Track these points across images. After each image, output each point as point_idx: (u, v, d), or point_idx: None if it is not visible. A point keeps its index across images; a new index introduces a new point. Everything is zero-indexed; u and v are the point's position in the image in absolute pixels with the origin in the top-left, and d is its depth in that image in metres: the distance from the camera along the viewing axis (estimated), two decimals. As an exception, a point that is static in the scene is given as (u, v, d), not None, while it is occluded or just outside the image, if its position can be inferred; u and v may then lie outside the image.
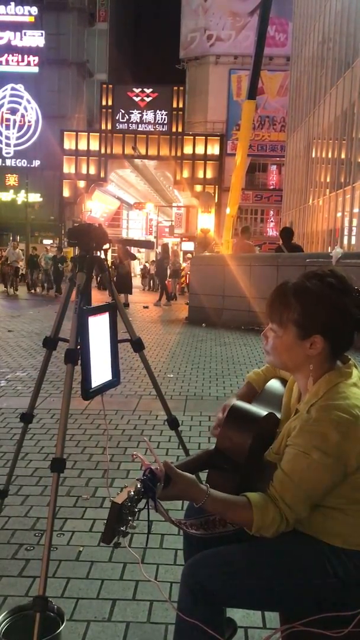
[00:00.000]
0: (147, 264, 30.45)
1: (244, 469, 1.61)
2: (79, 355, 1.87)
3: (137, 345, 2.20)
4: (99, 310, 1.97)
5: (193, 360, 7.65)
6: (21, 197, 40.71)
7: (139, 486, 1.35)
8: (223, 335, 10.05)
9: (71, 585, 2.41)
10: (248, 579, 1.51)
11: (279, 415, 1.75)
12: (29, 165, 44.22)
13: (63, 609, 1.91)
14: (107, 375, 2.05)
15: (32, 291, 22.19)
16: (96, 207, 45.62)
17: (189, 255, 28.58)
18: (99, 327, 1.96)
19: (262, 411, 1.70)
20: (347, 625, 1.41)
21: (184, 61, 49.16)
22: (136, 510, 1.34)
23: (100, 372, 1.99)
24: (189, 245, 39.85)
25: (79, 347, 1.87)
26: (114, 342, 2.07)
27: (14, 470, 2.47)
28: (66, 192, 44.80)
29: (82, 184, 44.45)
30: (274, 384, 1.90)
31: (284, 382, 1.89)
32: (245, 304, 10.42)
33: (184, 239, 43.27)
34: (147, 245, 2.62)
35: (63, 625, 1.73)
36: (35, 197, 41.29)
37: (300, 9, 35.33)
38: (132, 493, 1.32)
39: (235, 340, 9.50)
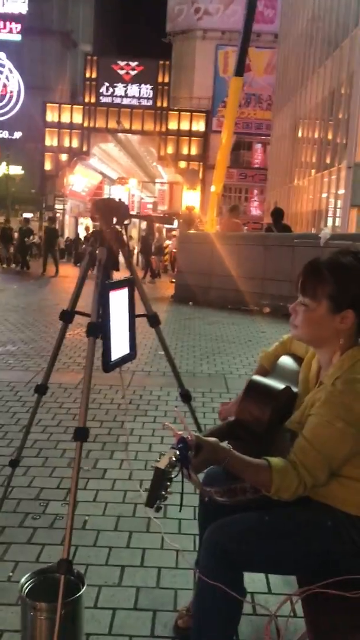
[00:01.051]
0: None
1: (263, 439, 1.68)
2: (101, 328, 1.90)
3: (154, 319, 2.25)
4: (119, 285, 2.00)
5: (182, 338, 7.71)
6: (1, 170, 40.06)
7: (176, 453, 1.41)
8: (210, 314, 10.11)
9: (80, 552, 2.47)
10: (267, 544, 1.58)
11: (294, 389, 1.81)
12: (10, 137, 43.47)
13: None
14: (125, 349, 2.09)
15: (4, 266, 21.09)
16: (78, 181, 45.12)
17: (173, 233, 28.52)
18: (118, 302, 2.00)
19: (280, 385, 1.77)
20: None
21: (171, 35, 48.45)
22: (172, 476, 1.40)
23: (120, 345, 2.04)
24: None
25: (100, 320, 1.91)
26: (132, 316, 2.11)
27: (26, 441, 2.51)
28: (48, 165, 44.22)
29: (64, 157, 43.88)
30: (286, 360, 1.97)
31: (295, 357, 1.96)
32: (233, 283, 10.47)
33: (167, 215, 43.05)
34: (166, 221, 2.64)
35: (84, 588, 1.79)
36: (16, 170, 40.67)
37: (290, -15, 34.94)
38: (173, 459, 1.38)
39: (223, 319, 9.58)
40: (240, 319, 9.56)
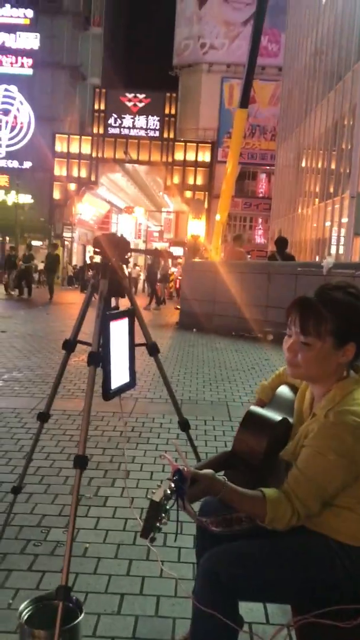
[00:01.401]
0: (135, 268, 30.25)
1: (259, 470, 1.71)
2: (101, 357, 1.96)
3: (153, 348, 2.31)
4: (119, 315, 2.06)
5: (186, 365, 7.75)
6: (11, 198, 40.61)
7: (172, 485, 1.45)
8: (214, 341, 10.16)
9: (80, 580, 2.49)
10: (261, 573, 1.61)
11: (290, 419, 1.85)
12: (20, 167, 44.14)
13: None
14: (125, 378, 2.14)
15: (12, 292, 20.55)
16: (86, 210, 45.69)
17: (179, 260, 28.72)
18: (119, 332, 2.06)
19: (277, 416, 1.81)
20: (356, 617, 1.52)
21: (177, 68, 49.48)
22: (167, 507, 1.44)
23: (119, 374, 2.09)
24: (177, 251, 40.02)
25: (100, 350, 1.97)
26: (132, 346, 2.16)
27: (27, 468, 2.54)
28: (56, 194, 44.81)
29: (72, 186, 44.48)
30: (284, 390, 2.02)
31: (292, 387, 2.01)
32: (236, 310, 10.54)
33: (172, 244, 43.41)
34: (154, 253, 2.72)
35: (82, 615, 1.82)
36: (25, 199, 41.20)
37: (294, 21, 35.75)
38: (169, 491, 1.42)
39: (227, 346, 9.62)
40: (244, 345, 9.60)
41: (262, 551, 1.64)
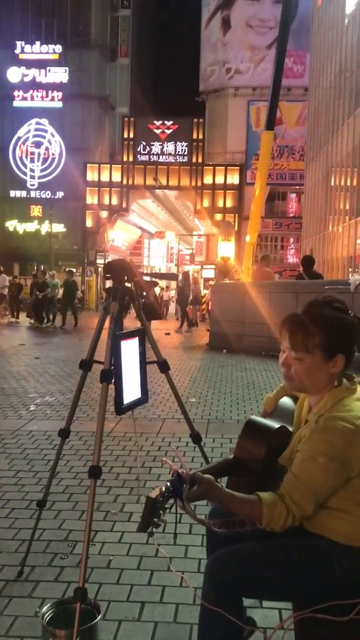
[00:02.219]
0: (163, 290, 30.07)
1: (259, 475, 1.82)
2: (112, 375, 2.10)
3: (163, 366, 2.44)
4: (130, 334, 2.21)
5: (214, 385, 7.85)
6: (45, 228, 41.59)
7: (168, 484, 1.57)
8: (244, 361, 10.24)
9: (103, 590, 2.61)
10: (263, 572, 1.71)
11: (290, 428, 1.96)
12: (52, 197, 45.19)
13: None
14: (137, 393, 2.28)
15: (32, 321, 19.89)
16: (118, 237, 46.38)
17: (210, 282, 28.88)
18: (130, 350, 2.20)
19: (275, 424, 1.92)
20: (351, 611, 1.60)
21: (204, 94, 50.20)
22: (167, 506, 1.56)
23: (131, 390, 2.23)
24: (209, 273, 40.24)
25: (112, 367, 2.11)
26: (143, 363, 2.30)
27: (52, 480, 2.68)
28: (89, 222, 45.63)
29: (104, 214, 45.25)
30: (286, 401, 2.13)
31: (294, 398, 2.12)
32: (266, 330, 10.61)
33: (204, 266, 43.66)
34: (171, 277, 2.88)
35: (99, 616, 1.93)
36: (59, 228, 42.16)
37: (318, 42, 36.07)
38: (164, 489, 1.54)
39: (256, 365, 9.69)
40: (273, 365, 9.65)
41: (264, 552, 1.74)
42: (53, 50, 46.01)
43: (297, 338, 1.75)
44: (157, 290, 19.86)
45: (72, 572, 2.76)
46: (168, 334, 16.86)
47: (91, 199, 45.38)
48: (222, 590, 1.70)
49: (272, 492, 1.69)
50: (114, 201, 45.45)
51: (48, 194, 45.44)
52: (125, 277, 2.22)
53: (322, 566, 1.69)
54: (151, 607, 2.48)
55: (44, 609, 1.97)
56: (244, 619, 1.80)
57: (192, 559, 2.87)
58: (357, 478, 1.67)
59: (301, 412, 1.94)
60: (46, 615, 1.94)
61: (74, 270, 23.84)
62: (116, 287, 2.20)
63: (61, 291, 19.84)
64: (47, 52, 46.06)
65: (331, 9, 31.88)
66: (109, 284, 2.35)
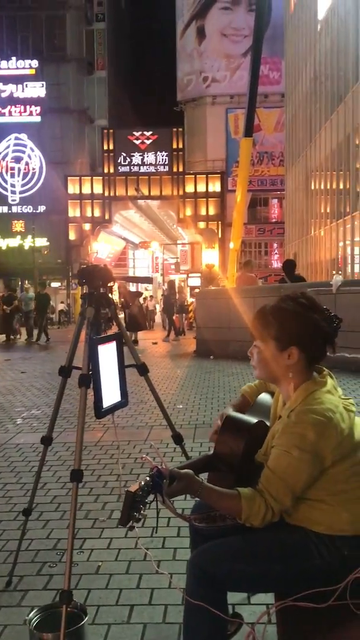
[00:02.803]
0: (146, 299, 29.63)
1: (238, 470, 1.85)
2: (90, 379, 2.13)
3: (142, 369, 2.47)
4: (107, 339, 2.24)
5: (202, 391, 7.88)
6: (28, 242, 41.55)
7: (148, 479, 1.60)
8: (231, 366, 10.28)
9: (92, 595, 2.62)
10: (245, 565, 1.74)
11: (268, 423, 2.00)
12: (34, 211, 45.16)
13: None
14: (116, 397, 2.31)
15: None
16: (102, 248, 46.39)
17: (196, 290, 28.96)
18: (107, 354, 2.23)
19: (253, 419, 1.96)
20: (330, 598, 1.63)
21: (182, 103, 50.53)
22: (147, 501, 1.59)
23: (110, 393, 2.26)
24: (195, 281, 40.34)
25: (90, 372, 2.14)
26: (121, 367, 2.33)
27: (37, 486, 2.70)
28: (72, 235, 45.63)
29: (87, 226, 45.29)
30: (264, 397, 2.17)
31: (273, 395, 2.15)
32: (251, 335, 10.65)
33: (190, 274, 43.79)
34: (146, 280, 2.92)
35: (86, 618, 1.95)
36: (42, 242, 42.12)
37: (292, 48, 36.50)
38: (143, 484, 1.57)
39: (242, 370, 9.73)
40: (261, 369, 9.69)
41: (245, 545, 1.77)
42: (29, 65, 46.16)
43: (257, 328, 1.84)
44: (141, 300, 19.90)
45: (60, 580, 2.76)
46: (155, 343, 16.89)
47: (73, 211, 45.42)
48: (205, 585, 1.72)
49: (250, 488, 1.72)
50: (97, 213, 45.52)
51: (30, 209, 45.41)
52: (100, 282, 2.25)
53: (302, 556, 1.72)
54: (140, 609, 2.49)
55: (31, 614, 1.99)
56: (228, 613, 1.82)
57: (180, 561, 2.89)
58: (332, 468, 1.71)
59: (276, 408, 1.98)
60: (33, 621, 1.96)
61: (50, 283, 23.15)
62: (91, 292, 2.23)
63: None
64: (24, 67, 46.19)
65: (304, 15, 32.31)
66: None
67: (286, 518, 1.80)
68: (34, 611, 1.99)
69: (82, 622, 1.92)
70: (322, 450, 1.67)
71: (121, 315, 17.02)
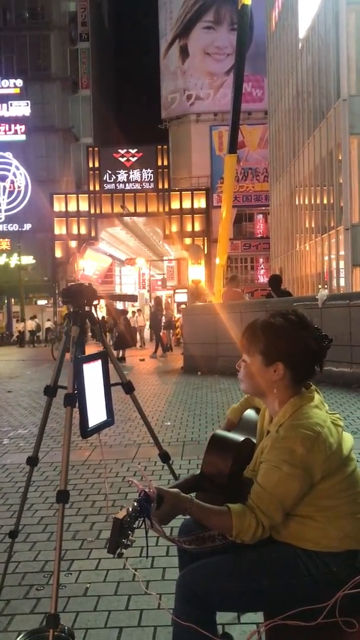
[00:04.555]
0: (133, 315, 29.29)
1: (227, 489, 1.84)
2: (76, 398, 2.12)
3: (128, 387, 2.46)
4: (92, 358, 2.23)
5: (189, 407, 7.85)
6: (14, 261, 41.48)
7: (135, 504, 1.58)
8: (219, 382, 10.27)
9: (80, 618, 2.58)
10: (233, 584, 1.72)
11: (254, 440, 1.99)
12: (20, 229, 45.20)
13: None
14: (102, 416, 2.29)
15: None
16: (88, 266, 46.42)
17: (183, 306, 29.00)
18: (92, 373, 2.22)
19: (240, 437, 1.95)
20: (320, 615, 1.62)
21: (166, 121, 51.04)
22: (135, 526, 1.57)
23: (96, 413, 2.24)
24: (182, 297, 40.38)
25: (76, 391, 2.13)
26: (107, 385, 2.32)
27: (23, 512, 2.66)
28: (58, 253, 45.65)
29: (73, 244, 45.35)
30: (250, 413, 2.16)
31: (258, 411, 2.15)
32: (239, 350, 10.66)
33: (177, 290, 43.87)
34: (130, 299, 2.92)
35: (74, 642, 1.92)
36: (28, 260, 42.09)
37: (274, 66, 37.03)
38: (130, 510, 1.55)
39: (230, 385, 9.72)
40: (248, 385, 9.69)
41: (233, 564, 1.75)
42: (14, 85, 46.47)
43: (245, 341, 1.85)
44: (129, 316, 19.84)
45: (48, 603, 2.69)
46: (143, 360, 16.85)
47: (59, 229, 45.50)
48: (193, 605, 1.70)
49: (240, 504, 1.71)
50: (83, 230, 45.63)
51: (16, 227, 45.46)
52: (85, 301, 2.25)
53: (291, 574, 1.70)
54: (129, 631, 2.46)
55: (18, 639, 1.95)
56: (218, 633, 1.80)
57: (169, 581, 2.85)
58: (321, 484, 1.70)
59: (263, 423, 1.98)
60: (19, 646, 1.92)
61: (36, 301, 23.06)
62: (76, 311, 2.22)
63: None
64: (8, 87, 46.49)
65: (285, 34, 32.84)
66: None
67: (274, 535, 1.79)
68: (21, 636, 1.96)
69: (70, 647, 1.89)
70: (312, 465, 1.67)
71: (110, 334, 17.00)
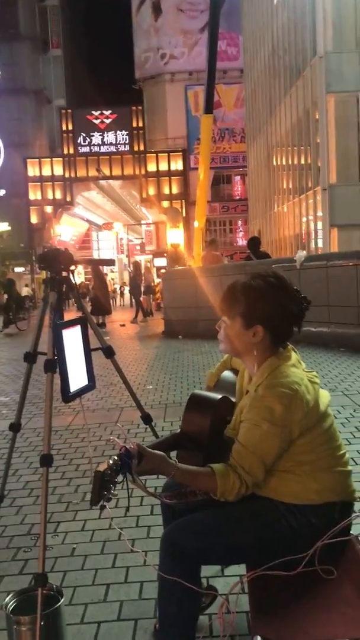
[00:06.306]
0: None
1: (207, 447, 1.88)
2: (56, 364, 2.13)
3: (108, 352, 2.47)
4: (71, 323, 2.24)
5: (171, 370, 7.91)
6: (-11, 228, 40.83)
7: (116, 458, 1.61)
8: (200, 345, 10.33)
9: (68, 577, 2.64)
10: (216, 538, 1.77)
11: (233, 399, 2.03)
12: (-6, 195, 44.35)
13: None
14: (83, 380, 2.31)
15: None
16: (65, 231, 45.89)
17: (162, 270, 28.92)
18: (72, 338, 2.23)
19: (217, 395, 1.99)
20: (299, 566, 1.69)
21: (140, 81, 49.94)
22: (116, 480, 1.60)
23: (77, 377, 2.26)
24: (161, 261, 40.21)
25: (56, 357, 2.13)
26: (87, 350, 2.33)
27: (7, 478, 2.69)
28: (34, 219, 45.02)
29: (49, 209, 44.72)
30: (227, 374, 2.20)
31: (235, 371, 2.18)
32: (219, 313, 10.72)
33: (155, 255, 43.66)
34: (108, 263, 2.92)
35: (62, 599, 1.97)
36: (3, 227, 41.44)
37: (249, 23, 36.27)
38: (111, 463, 1.58)
39: (212, 348, 9.79)
40: (229, 347, 9.77)
41: (216, 519, 1.80)
42: (-19, 45, 44.96)
43: (225, 304, 1.87)
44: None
45: (36, 565, 2.76)
46: (123, 325, 16.85)
47: (34, 194, 44.77)
48: (178, 560, 1.75)
49: (223, 464, 1.75)
50: (58, 195, 44.96)
51: (-11, 193, 44.52)
52: (62, 267, 2.24)
53: (272, 526, 1.76)
54: (116, 587, 2.53)
55: (7, 599, 2.00)
56: (202, 586, 1.86)
57: (154, 539, 2.92)
58: (299, 439, 1.75)
59: (242, 383, 2.01)
60: (9, 605, 1.97)
61: (13, 268, 22.34)
62: (53, 277, 2.22)
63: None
64: (-25, 47, 44.98)
65: (260, -11, 32.09)
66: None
67: (255, 490, 1.84)
68: (10, 596, 2.00)
69: (59, 604, 1.94)
70: (290, 422, 1.71)
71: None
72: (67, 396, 2.18)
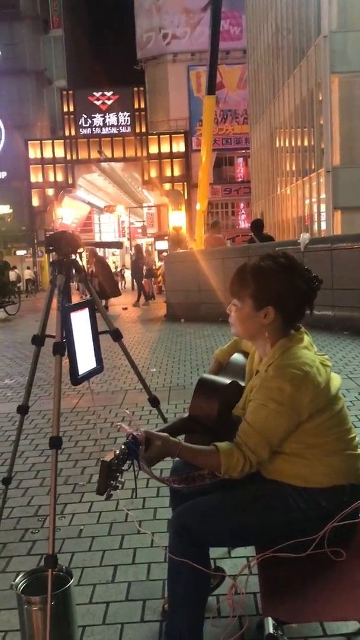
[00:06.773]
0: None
1: (214, 431, 1.88)
2: (65, 347, 2.12)
3: (116, 334, 2.47)
4: (79, 306, 2.23)
5: (174, 354, 7.92)
6: (-10, 210, 40.67)
7: (123, 447, 1.61)
8: (202, 328, 10.34)
9: (76, 558, 2.67)
10: (224, 520, 1.78)
11: (242, 383, 2.03)
12: (-5, 178, 44.11)
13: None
14: (91, 363, 2.31)
15: None
16: (67, 214, 45.70)
17: (164, 254, 28.86)
18: (80, 321, 2.22)
19: (226, 380, 1.98)
20: (309, 548, 1.69)
21: (142, 61, 49.33)
22: (123, 468, 1.60)
23: (85, 360, 2.26)
24: (163, 244, 40.10)
25: (64, 340, 2.13)
26: (95, 333, 2.33)
27: (15, 459, 2.70)
28: (35, 201, 44.78)
29: (50, 191, 44.48)
30: (237, 357, 2.19)
31: (245, 354, 2.18)
32: (222, 296, 10.70)
33: (157, 238, 43.51)
34: (115, 245, 2.91)
35: (72, 580, 1.99)
36: (4, 209, 41.27)
37: (252, 1, 35.73)
38: (118, 452, 1.58)
39: (214, 331, 9.80)
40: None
41: (226, 502, 1.81)
42: (-19, 25, 44.41)
43: (235, 286, 1.85)
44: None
45: (44, 545, 2.80)
46: (125, 308, 16.84)
47: (35, 177, 44.51)
48: (187, 542, 1.76)
49: (228, 442, 1.75)
50: (59, 177, 44.67)
51: (-10, 175, 44.33)
52: (70, 249, 2.22)
53: (280, 509, 1.77)
54: (124, 568, 2.55)
55: (17, 579, 2.01)
56: (211, 567, 1.87)
57: (161, 520, 2.95)
58: (308, 422, 1.75)
59: (252, 364, 2.01)
60: (20, 585, 1.98)
61: (15, 251, 21.98)
62: (61, 259, 2.20)
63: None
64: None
65: (263, -33, 31.57)
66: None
67: (264, 473, 1.85)
68: (20, 576, 2.02)
69: (68, 584, 1.96)
70: (299, 404, 1.71)
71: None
72: (77, 379, 2.18)
